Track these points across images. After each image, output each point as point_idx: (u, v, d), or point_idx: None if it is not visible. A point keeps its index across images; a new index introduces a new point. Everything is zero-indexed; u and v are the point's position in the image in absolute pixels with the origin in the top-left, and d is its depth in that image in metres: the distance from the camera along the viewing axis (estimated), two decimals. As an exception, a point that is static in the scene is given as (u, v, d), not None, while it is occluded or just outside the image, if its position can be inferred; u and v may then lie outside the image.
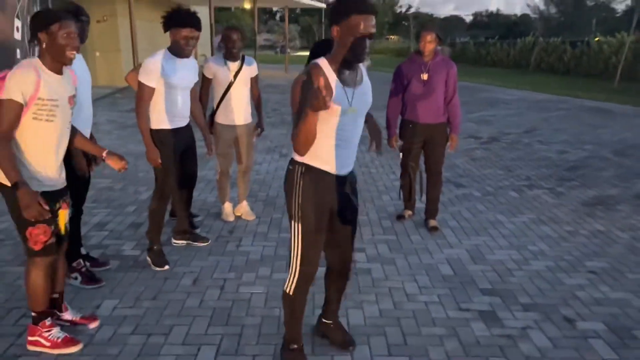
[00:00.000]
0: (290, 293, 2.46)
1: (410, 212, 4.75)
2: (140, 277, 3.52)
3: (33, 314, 2.67)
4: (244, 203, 4.69)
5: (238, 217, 4.67)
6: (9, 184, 2.44)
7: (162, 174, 3.58)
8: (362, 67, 2.36)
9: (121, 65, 15.41)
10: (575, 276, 3.62)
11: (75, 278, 3.36)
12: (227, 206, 4.63)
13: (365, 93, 2.32)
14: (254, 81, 4.42)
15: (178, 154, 3.65)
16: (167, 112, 3.54)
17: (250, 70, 4.32)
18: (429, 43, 4.21)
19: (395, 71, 4.43)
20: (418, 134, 4.36)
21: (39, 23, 2.43)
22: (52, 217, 2.58)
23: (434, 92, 4.27)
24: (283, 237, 4.24)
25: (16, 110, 2.36)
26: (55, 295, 2.85)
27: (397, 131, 4.48)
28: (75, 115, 2.99)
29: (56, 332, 2.70)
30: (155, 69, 3.41)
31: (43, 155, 2.50)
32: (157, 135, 3.52)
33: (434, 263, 3.82)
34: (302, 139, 2.07)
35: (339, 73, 2.22)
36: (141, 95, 3.43)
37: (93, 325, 2.91)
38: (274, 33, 52.09)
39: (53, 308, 2.85)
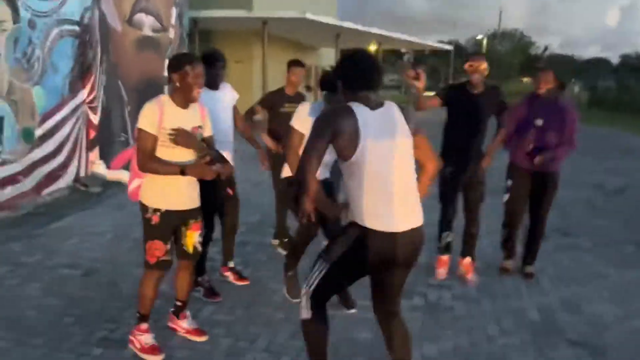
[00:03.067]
0: None
1: (511, 263, 4.44)
2: (237, 288, 3.92)
3: (137, 314, 3.06)
4: None
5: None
6: (144, 203, 2.91)
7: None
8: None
9: (252, 99, 16.80)
10: (683, 340, 3.31)
11: (199, 291, 3.72)
12: None
13: None
14: None
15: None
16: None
17: None
18: (545, 83, 4.00)
19: (511, 112, 4.15)
20: (527, 181, 4.17)
21: (174, 64, 2.87)
22: (171, 235, 2.96)
23: (547, 140, 3.99)
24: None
25: (148, 138, 2.81)
26: (178, 304, 3.23)
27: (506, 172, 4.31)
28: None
29: (147, 338, 3.02)
30: (307, 117, 3.35)
31: (171, 178, 2.86)
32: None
33: (521, 308, 3.72)
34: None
35: None
36: (291, 141, 3.44)
37: (201, 339, 3.17)
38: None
39: (175, 314, 3.24)
